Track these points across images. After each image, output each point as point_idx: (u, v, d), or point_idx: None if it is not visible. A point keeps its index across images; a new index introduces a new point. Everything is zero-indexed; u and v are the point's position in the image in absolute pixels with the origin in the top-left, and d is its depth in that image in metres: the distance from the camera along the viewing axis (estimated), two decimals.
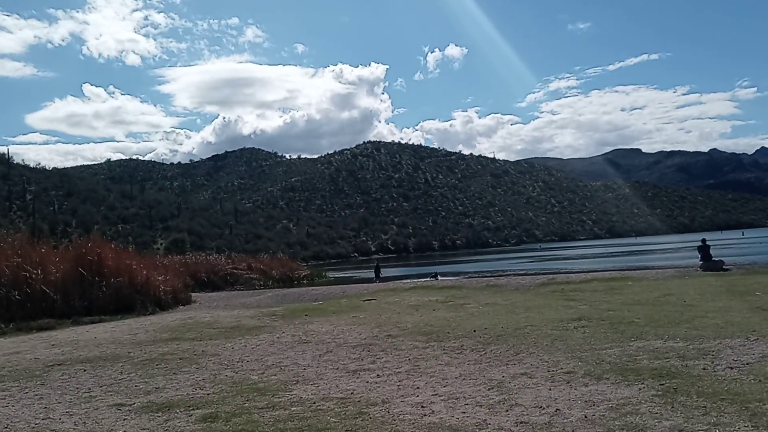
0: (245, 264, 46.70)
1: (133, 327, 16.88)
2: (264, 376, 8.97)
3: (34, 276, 20.97)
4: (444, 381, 7.89)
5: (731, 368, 7.33)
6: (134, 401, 7.77)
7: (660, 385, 6.79)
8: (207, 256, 51.02)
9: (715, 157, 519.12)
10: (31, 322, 18.92)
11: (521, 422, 5.79)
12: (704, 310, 12.66)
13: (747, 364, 7.50)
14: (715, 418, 5.43)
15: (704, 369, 7.39)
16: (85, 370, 10.33)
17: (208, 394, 7.92)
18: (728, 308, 12.66)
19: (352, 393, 7.50)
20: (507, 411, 6.24)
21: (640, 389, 6.70)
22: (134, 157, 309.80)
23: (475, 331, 11.93)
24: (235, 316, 18.31)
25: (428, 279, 34.57)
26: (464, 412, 6.30)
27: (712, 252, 24.26)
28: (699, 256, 23.91)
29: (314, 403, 7.09)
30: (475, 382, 7.68)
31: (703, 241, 24.39)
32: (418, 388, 7.60)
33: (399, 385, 7.81)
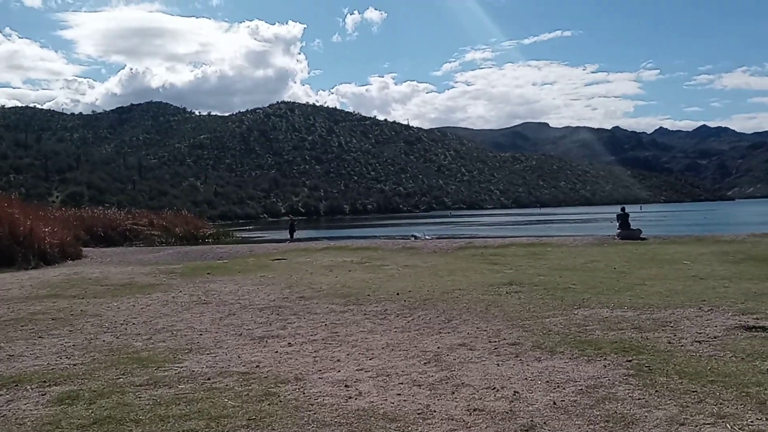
0: (146, 220, 43.81)
1: (8, 281, 14.82)
2: (150, 343, 7.41)
3: None
4: (369, 352, 6.59)
5: (699, 342, 6.37)
6: None
7: (627, 362, 5.73)
8: (105, 211, 47.62)
9: (617, 134, 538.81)
10: None
11: (475, 409, 4.55)
12: (639, 277, 11.92)
13: (714, 337, 6.57)
14: (715, 408, 4.36)
15: (669, 343, 6.40)
16: None
17: (74, 365, 6.32)
18: (664, 276, 11.95)
19: (257, 366, 6.09)
20: (453, 393, 4.99)
21: (605, 366, 5.62)
22: (32, 105, 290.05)
23: (398, 294, 10.70)
24: (128, 272, 16.44)
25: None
26: (399, 394, 5.01)
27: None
28: (617, 224, 23.64)
29: (209, 379, 5.63)
30: (406, 354, 6.42)
31: (623, 209, 24.09)
32: (338, 360, 6.26)
33: (315, 357, 6.46)
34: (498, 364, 5.86)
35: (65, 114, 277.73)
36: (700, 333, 6.79)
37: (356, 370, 5.85)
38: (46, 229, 23.19)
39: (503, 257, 17.59)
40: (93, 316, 9.47)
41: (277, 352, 6.75)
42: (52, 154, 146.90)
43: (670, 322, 7.44)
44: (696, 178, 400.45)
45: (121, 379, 5.67)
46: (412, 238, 31.91)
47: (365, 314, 8.93)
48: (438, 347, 6.69)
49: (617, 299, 9.28)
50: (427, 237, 33.76)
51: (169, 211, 55.58)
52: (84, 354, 6.86)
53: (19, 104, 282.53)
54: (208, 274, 15.55)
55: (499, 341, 6.86)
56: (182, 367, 6.13)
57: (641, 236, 22.81)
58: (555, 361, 5.89)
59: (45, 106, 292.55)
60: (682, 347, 6.22)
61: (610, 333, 7.01)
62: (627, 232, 22.98)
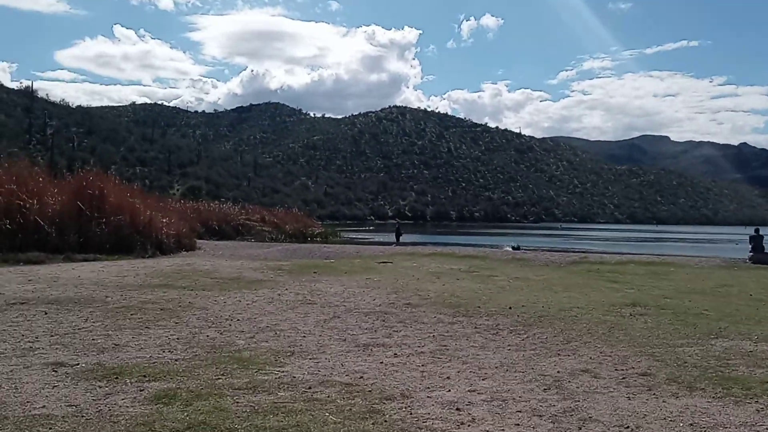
0: (259, 216, 45.08)
1: (124, 269, 15.28)
2: (253, 342, 7.19)
3: (28, 206, 19.45)
4: (481, 371, 6.06)
5: None
6: (79, 361, 6.04)
7: None
8: (220, 205, 49.34)
9: (744, 151, 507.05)
10: (20, 254, 17.50)
11: None
12: None
13: None
14: None
15: None
16: (46, 313, 8.68)
17: (175, 360, 6.16)
18: None
19: (361, 377, 5.70)
20: (580, 429, 4.39)
21: (758, 411, 4.83)
22: (159, 102, 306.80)
23: (510, 308, 10.07)
24: (237, 266, 16.64)
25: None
26: (518, 424, 4.46)
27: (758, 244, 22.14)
28: (750, 246, 21.82)
29: (310, 387, 5.28)
30: (523, 377, 5.85)
31: (757, 230, 22.26)
32: (448, 378, 5.77)
33: (423, 371, 6.00)
34: (629, 398, 5.18)
35: (189, 111, 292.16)
36: None
37: (468, 390, 5.34)
38: (165, 220, 24.05)
39: (622, 275, 16.51)
40: (199, 309, 9.44)
41: (382, 362, 6.34)
42: (176, 148, 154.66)
43: None
44: None
45: (221, 380, 5.43)
46: (509, 249, 30.56)
47: (476, 327, 8.38)
48: (558, 371, 6.08)
49: (760, 331, 8.26)
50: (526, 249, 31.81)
51: (280, 208, 56.97)
52: (186, 349, 6.72)
53: (148, 101, 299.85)
54: (314, 273, 15.45)
55: (626, 370, 6.16)
56: (283, 371, 5.82)
57: None
58: (696, 400, 5.15)
59: (171, 104, 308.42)
60: None
61: (758, 371, 6.15)
62: (761, 255, 21.16)
